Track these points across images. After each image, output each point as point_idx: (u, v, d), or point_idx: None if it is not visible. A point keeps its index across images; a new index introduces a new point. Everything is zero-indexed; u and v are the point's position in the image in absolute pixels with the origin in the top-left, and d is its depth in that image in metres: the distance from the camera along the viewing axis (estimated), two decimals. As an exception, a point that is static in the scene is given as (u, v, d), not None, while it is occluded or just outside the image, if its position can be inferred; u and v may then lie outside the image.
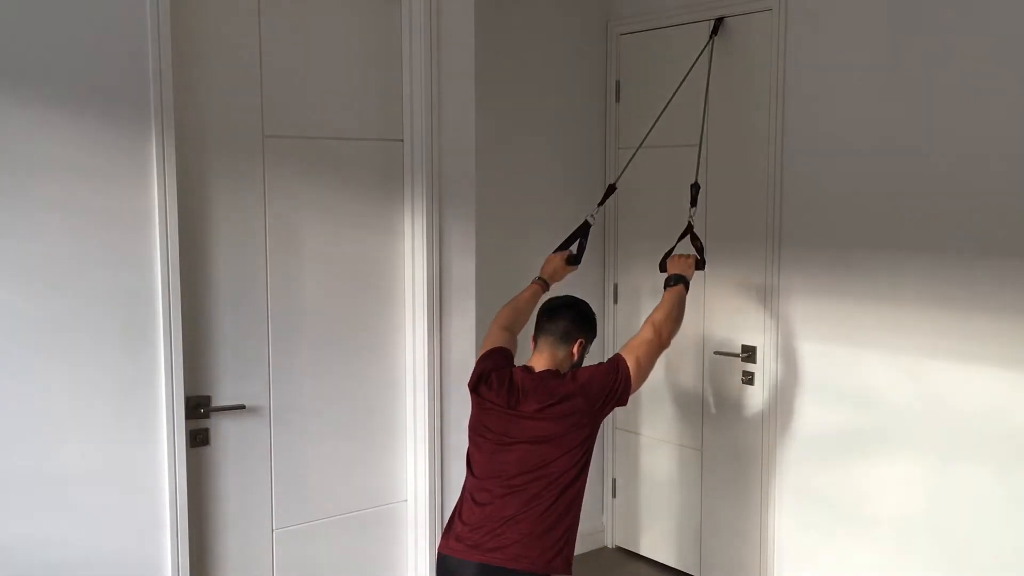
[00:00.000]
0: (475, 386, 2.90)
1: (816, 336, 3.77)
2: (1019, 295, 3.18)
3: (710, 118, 3.99)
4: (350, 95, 3.25)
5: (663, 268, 3.36)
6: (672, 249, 3.46)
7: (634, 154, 4.09)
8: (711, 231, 4.11)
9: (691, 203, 3.60)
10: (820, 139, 3.70)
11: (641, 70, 4.45)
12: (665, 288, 3.16)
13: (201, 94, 2.92)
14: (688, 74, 3.98)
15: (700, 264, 3.36)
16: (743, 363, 4.05)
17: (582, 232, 3.50)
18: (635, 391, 2.90)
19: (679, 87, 3.99)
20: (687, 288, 3.18)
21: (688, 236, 3.51)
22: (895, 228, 3.49)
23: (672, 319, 3.02)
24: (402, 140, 3.35)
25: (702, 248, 3.46)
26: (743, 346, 4.05)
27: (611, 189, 3.80)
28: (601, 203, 3.75)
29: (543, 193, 4.42)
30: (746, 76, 3.95)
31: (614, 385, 2.83)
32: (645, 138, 4.03)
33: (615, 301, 4.64)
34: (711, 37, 4.00)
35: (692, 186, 3.64)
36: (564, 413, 2.74)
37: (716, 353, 4.16)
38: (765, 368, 3.95)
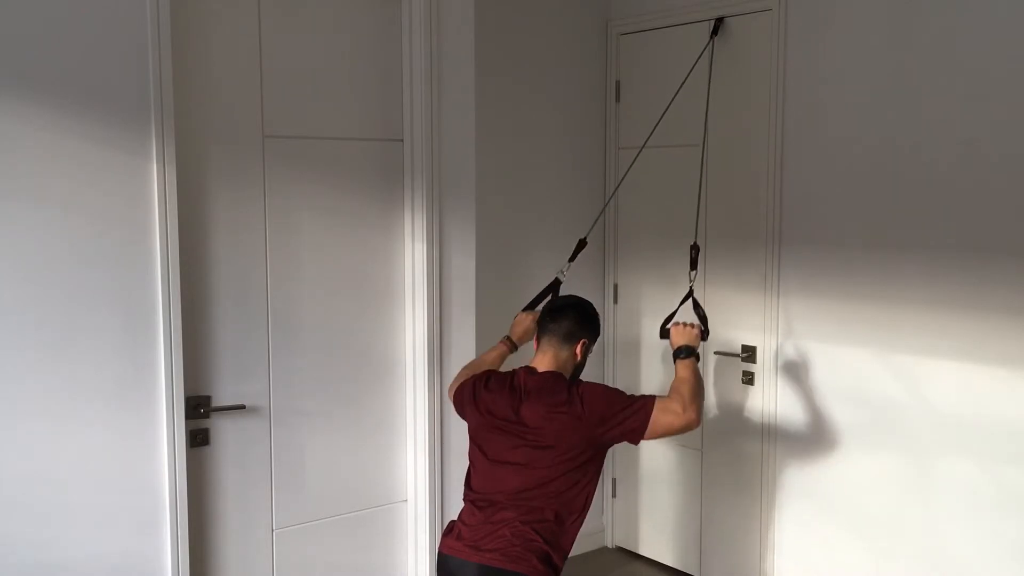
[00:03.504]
0: (473, 393, 2.89)
1: (816, 336, 3.77)
2: (1018, 295, 3.18)
3: (710, 118, 3.98)
4: (350, 95, 3.25)
5: (664, 335, 3.20)
6: (673, 315, 3.30)
7: (632, 163, 4.09)
8: (711, 231, 4.11)
9: (691, 266, 3.42)
10: (820, 139, 3.70)
11: (641, 70, 4.45)
12: (675, 359, 2.99)
13: (201, 94, 2.92)
14: (688, 74, 3.98)
15: (704, 334, 3.14)
16: (743, 363, 4.05)
17: (552, 290, 3.31)
18: (645, 439, 2.80)
19: (680, 87, 3.99)
20: (698, 359, 3.00)
21: (690, 302, 3.35)
22: (895, 228, 3.49)
23: (699, 395, 2.86)
24: (402, 140, 3.35)
25: (705, 317, 3.27)
26: (743, 346, 4.05)
27: (582, 244, 3.51)
28: (571, 259, 3.46)
29: (543, 193, 4.42)
30: (746, 76, 3.95)
31: (625, 417, 2.74)
32: (645, 143, 4.02)
33: (615, 301, 4.64)
34: (711, 37, 4.00)
35: (692, 247, 3.45)
36: (563, 426, 2.71)
37: (716, 353, 4.16)
38: (765, 368, 3.95)
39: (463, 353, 3.48)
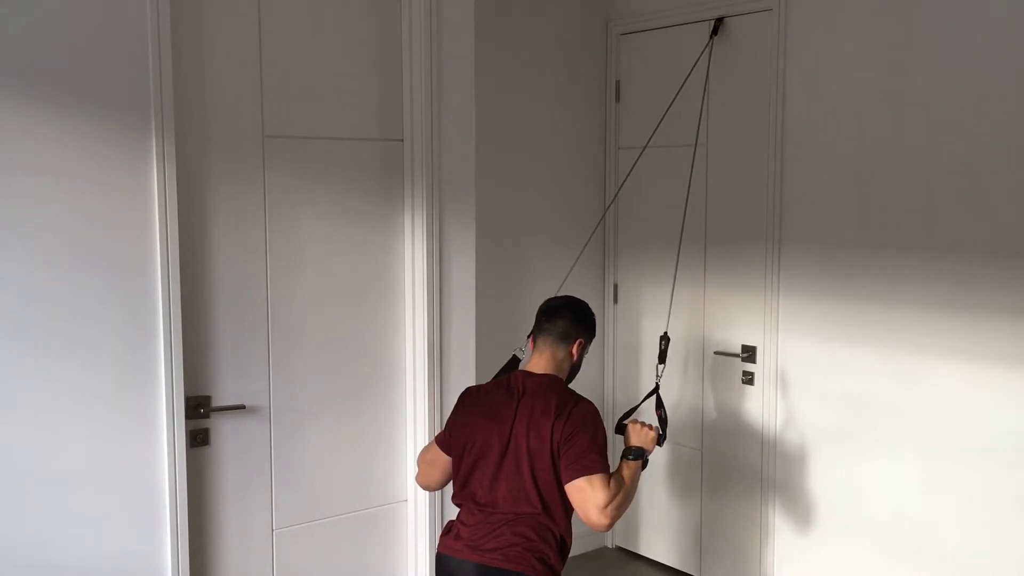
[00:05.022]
0: (463, 400, 2.89)
1: (816, 336, 3.77)
2: (1018, 295, 3.18)
3: (710, 118, 3.99)
4: (350, 95, 3.25)
5: (620, 430, 2.99)
6: (634, 409, 3.22)
7: (632, 168, 4.09)
8: (711, 231, 4.12)
9: (659, 359, 3.33)
10: (820, 139, 3.70)
11: (641, 70, 4.45)
12: (622, 458, 2.81)
13: (201, 94, 2.92)
14: (689, 74, 3.98)
15: (660, 440, 2.92)
16: (743, 363, 4.05)
17: (512, 367, 3.13)
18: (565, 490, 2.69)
19: (680, 88, 3.99)
20: (644, 465, 2.84)
21: (654, 399, 3.23)
22: (895, 228, 3.49)
23: (624, 505, 2.67)
24: (402, 140, 3.35)
25: (665, 420, 3.12)
26: (743, 346, 4.05)
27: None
28: (531, 335, 3.07)
29: (543, 193, 4.42)
30: (746, 76, 3.95)
31: (581, 455, 2.64)
32: (648, 143, 4.02)
33: (615, 301, 4.64)
34: (711, 37, 4.00)
35: (661, 338, 3.38)
36: (548, 425, 2.71)
37: (716, 353, 4.16)
38: (765, 368, 3.95)
39: (463, 352, 3.48)
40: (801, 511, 3.88)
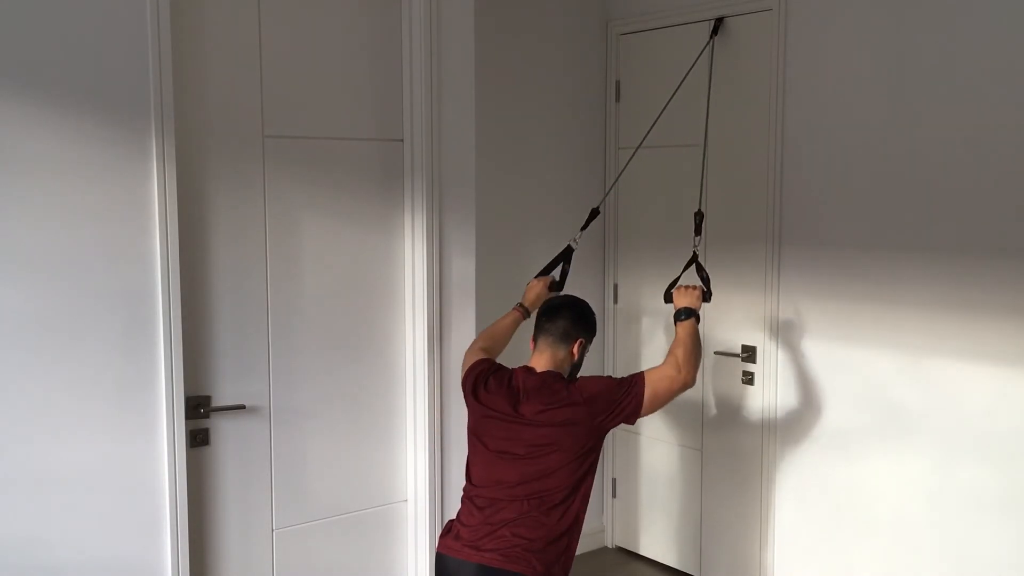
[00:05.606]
0: (473, 390, 2.90)
1: (816, 336, 3.77)
2: (1018, 295, 3.18)
3: (710, 118, 3.98)
4: (350, 95, 3.25)
5: (668, 299, 3.24)
6: (677, 280, 3.34)
7: (630, 158, 4.09)
8: (711, 231, 4.11)
9: (695, 231, 3.46)
10: (820, 139, 3.70)
11: (641, 70, 4.45)
12: (676, 321, 3.05)
13: (201, 94, 2.92)
14: (688, 74, 3.98)
15: (707, 296, 3.19)
16: (743, 363, 4.05)
17: (565, 257, 3.42)
18: (643, 416, 2.85)
19: (679, 87, 3.99)
20: (698, 320, 3.05)
21: (693, 266, 3.38)
22: (895, 228, 3.50)
23: (695, 356, 2.92)
24: (402, 140, 3.35)
25: (708, 279, 3.29)
26: (743, 346, 4.05)
27: (594, 213, 3.62)
28: (584, 227, 3.56)
29: (543, 193, 4.42)
30: (746, 76, 3.95)
31: (622, 401, 2.78)
32: (643, 140, 4.02)
33: (615, 301, 4.64)
34: (711, 37, 4.00)
35: (696, 214, 3.51)
36: (565, 420, 2.73)
37: (716, 353, 4.16)
38: (765, 368, 3.95)
39: (463, 353, 3.47)
40: (801, 511, 3.87)
